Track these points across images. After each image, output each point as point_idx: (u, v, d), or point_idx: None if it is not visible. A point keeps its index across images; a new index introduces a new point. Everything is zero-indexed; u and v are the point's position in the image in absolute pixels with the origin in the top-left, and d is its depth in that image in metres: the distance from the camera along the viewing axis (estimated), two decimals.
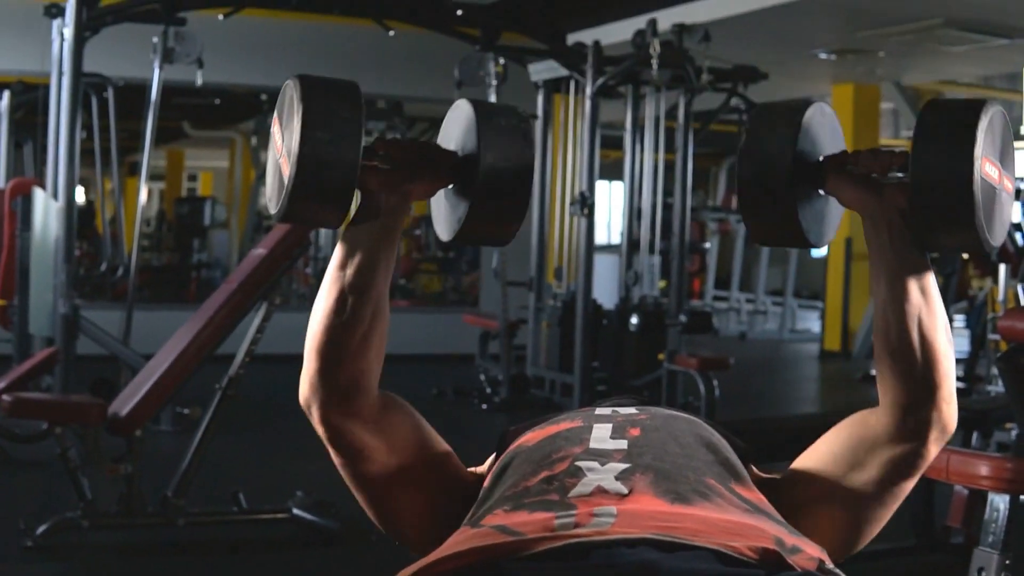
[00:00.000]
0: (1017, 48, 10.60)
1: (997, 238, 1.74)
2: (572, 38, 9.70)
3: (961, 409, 4.87)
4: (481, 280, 12.95)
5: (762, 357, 13.83)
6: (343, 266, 1.78)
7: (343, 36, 11.68)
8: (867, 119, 13.72)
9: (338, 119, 1.68)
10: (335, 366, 1.79)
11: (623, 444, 1.74)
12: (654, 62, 8.04)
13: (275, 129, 1.80)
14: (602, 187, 18.00)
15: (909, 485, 1.83)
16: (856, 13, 10.10)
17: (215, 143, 20.10)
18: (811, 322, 16.72)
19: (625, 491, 1.63)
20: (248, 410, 7.69)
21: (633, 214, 8.97)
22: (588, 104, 8.33)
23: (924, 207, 1.69)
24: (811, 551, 1.57)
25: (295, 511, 5.13)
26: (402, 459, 1.85)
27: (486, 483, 1.80)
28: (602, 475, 1.66)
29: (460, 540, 1.58)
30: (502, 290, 8.97)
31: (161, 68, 7.74)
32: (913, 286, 1.74)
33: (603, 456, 1.71)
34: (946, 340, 1.75)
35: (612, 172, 14.34)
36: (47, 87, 7.68)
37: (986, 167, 1.68)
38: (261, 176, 16.01)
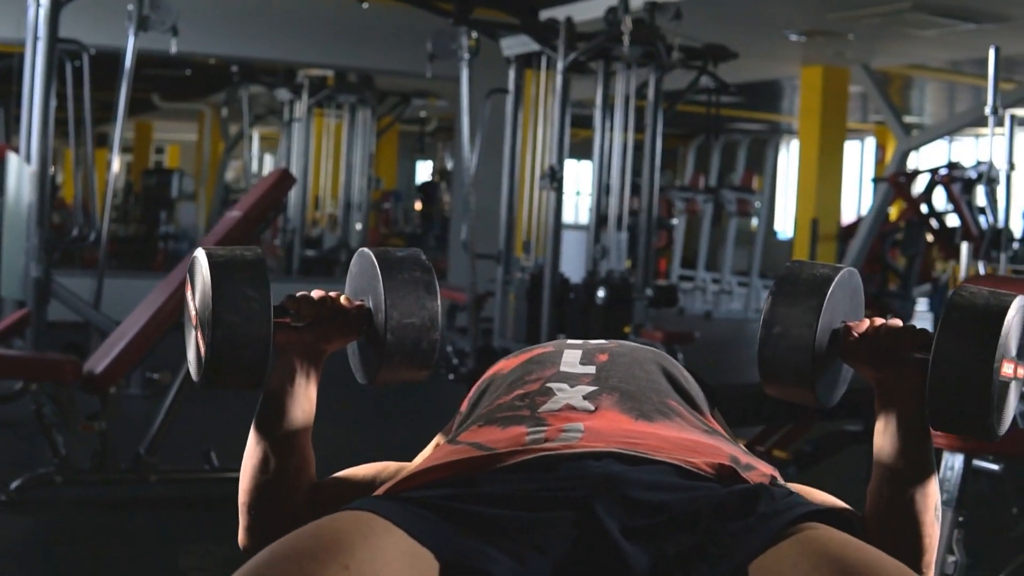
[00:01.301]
0: (985, 33, 10.69)
1: (1004, 427, 1.76)
2: (545, 15, 9.75)
3: None
4: (449, 253, 13.01)
5: (727, 335, 13.95)
6: (262, 428, 1.85)
7: (316, 8, 11.68)
8: (836, 102, 13.79)
9: (246, 300, 1.74)
10: (266, 519, 1.84)
11: (591, 369, 1.83)
12: (625, 38, 8.10)
13: (188, 297, 1.84)
14: (571, 166, 18.08)
15: None
16: None
17: (184, 115, 20.04)
18: None
19: (592, 408, 1.72)
20: None
21: (602, 190, 9.05)
22: (559, 79, 8.39)
23: (940, 402, 1.71)
24: (764, 469, 1.67)
25: None
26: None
27: (463, 408, 1.89)
28: (571, 394, 1.76)
29: (437, 456, 1.67)
30: (470, 263, 9.03)
31: (136, 36, 7.75)
32: (915, 464, 1.77)
33: (572, 379, 1.80)
34: (934, 519, 1.79)
35: (582, 151, 14.41)
36: (22, 56, 7.68)
37: (1005, 367, 1.70)
38: (230, 149, 16.01)
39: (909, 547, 1.77)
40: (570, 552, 1.48)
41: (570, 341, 1.97)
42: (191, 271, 1.83)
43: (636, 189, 9.17)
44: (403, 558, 1.44)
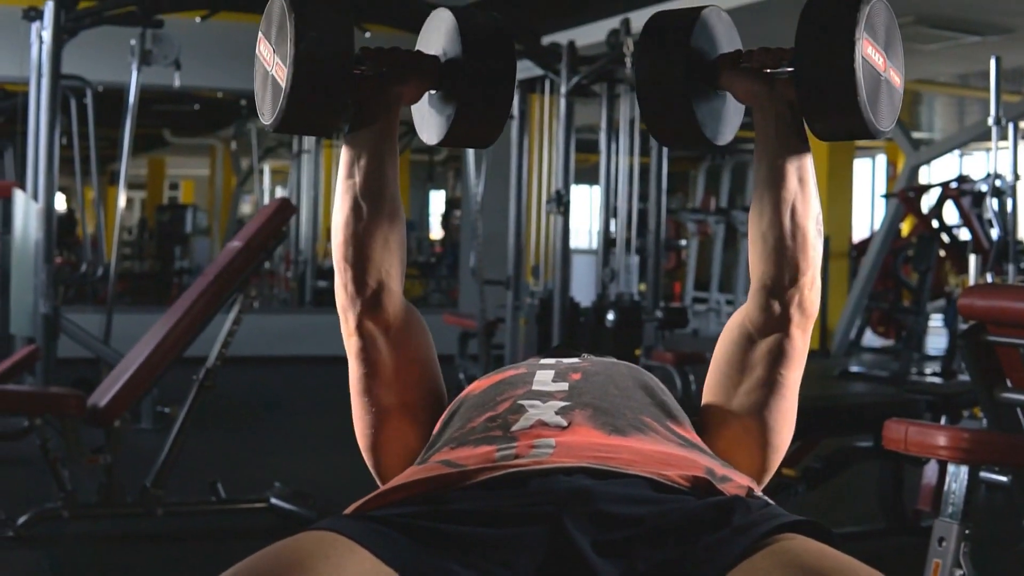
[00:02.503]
0: (990, 45, 10.67)
1: (884, 123, 1.79)
2: (547, 39, 9.76)
3: (928, 393, 4.97)
4: (460, 281, 13.00)
5: None
6: (351, 174, 1.85)
7: None
8: None
9: (329, 18, 1.75)
10: (364, 271, 1.86)
11: (564, 386, 1.81)
12: (628, 60, 8.11)
13: (262, 47, 1.86)
14: (580, 191, 18.08)
15: (792, 374, 1.90)
16: None
17: (196, 151, 20.10)
18: None
19: (565, 424, 1.70)
20: (227, 409, 7.77)
21: (609, 212, 9.03)
22: (563, 103, 8.40)
23: (808, 90, 1.75)
24: (740, 480, 1.65)
25: (273, 501, 5.19)
26: (414, 375, 1.92)
27: (435, 430, 1.88)
28: (543, 410, 1.73)
29: (407, 475, 1.65)
30: (479, 289, 9.02)
31: (139, 70, 7.79)
32: (791, 171, 1.81)
33: (544, 396, 1.78)
34: (816, 229, 1.83)
35: (589, 177, 14.41)
36: (27, 94, 7.72)
37: (868, 50, 1.73)
38: (242, 183, 16.05)
39: (795, 259, 1.82)
40: (540, 568, 1.46)
41: (543, 360, 1.95)
42: (268, 14, 1.84)
43: (643, 210, 9.15)
44: None
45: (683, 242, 15.97)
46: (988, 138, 7.02)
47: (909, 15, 9.90)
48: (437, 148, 18.55)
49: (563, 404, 1.76)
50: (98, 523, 5.04)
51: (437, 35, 1.92)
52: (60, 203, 16.36)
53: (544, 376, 1.85)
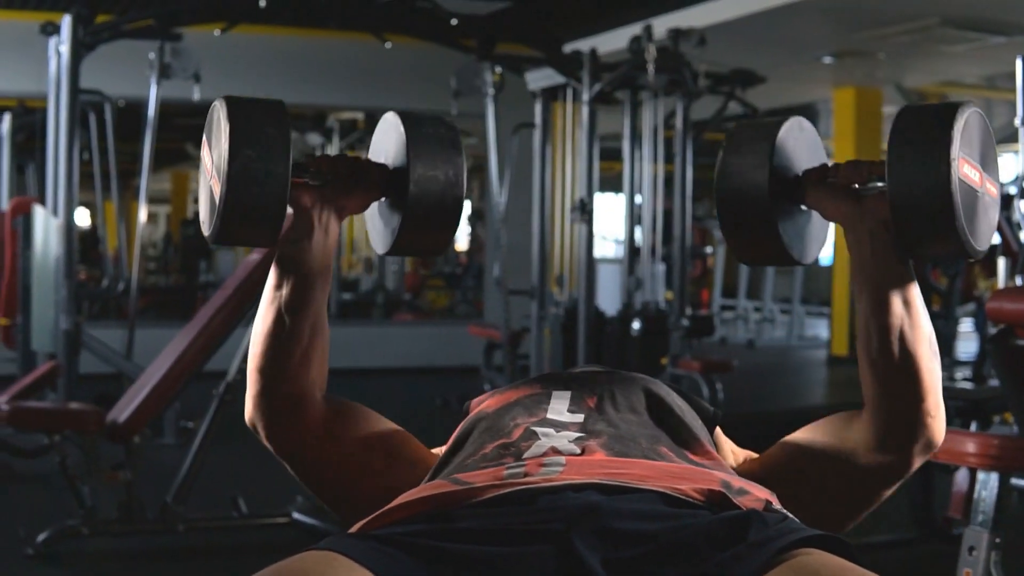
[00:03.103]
0: (1016, 46, 10.58)
1: (982, 242, 1.69)
2: (569, 47, 9.73)
3: (958, 399, 4.89)
4: (485, 291, 12.98)
5: (770, 363, 13.82)
6: (279, 286, 1.79)
7: (339, 50, 11.71)
8: (870, 123, 13.67)
9: (265, 136, 1.68)
10: (276, 385, 1.80)
11: (579, 417, 1.75)
12: (650, 67, 8.06)
13: (204, 152, 1.80)
14: (605, 200, 18.03)
15: (886, 493, 1.81)
16: (851, 14, 10.08)
17: None
18: (819, 329, 16.70)
19: (578, 451, 1.64)
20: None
21: (634, 220, 8.99)
22: (585, 110, 8.35)
23: (903, 213, 1.65)
24: (758, 493, 1.58)
25: (295, 515, 5.15)
26: (360, 458, 1.84)
27: (445, 449, 1.82)
28: (556, 440, 1.67)
29: (412, 493, 1.60)
30: (504, 299, 8.99)
31: (158, 83, 7.78)
32: (895, 299, 1.70)
33: (559, 426, 1.72)
34: (930, 353, 1.72)
35: (613, 185, 14.37)
36: (46, 110, 7.73)
37: (964, 168, 1.63)
38: None
39: (911, 388, 1.71)
40: None
41: (557, 377, 1.88)
42: (209, 121, 1.78)
43: (668, 215, 9.09)
44: None
45: (709, 249, 15.89)
46: (1015, 140, 6.95)
47: (934, 16, 9.83)
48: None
49: (578, 435, 1.69)
50: (118, 540, 5.01)
51: (386, 140, 1.86)
52: (82, 218, 16.36)
53: (559, 404, 1.78)
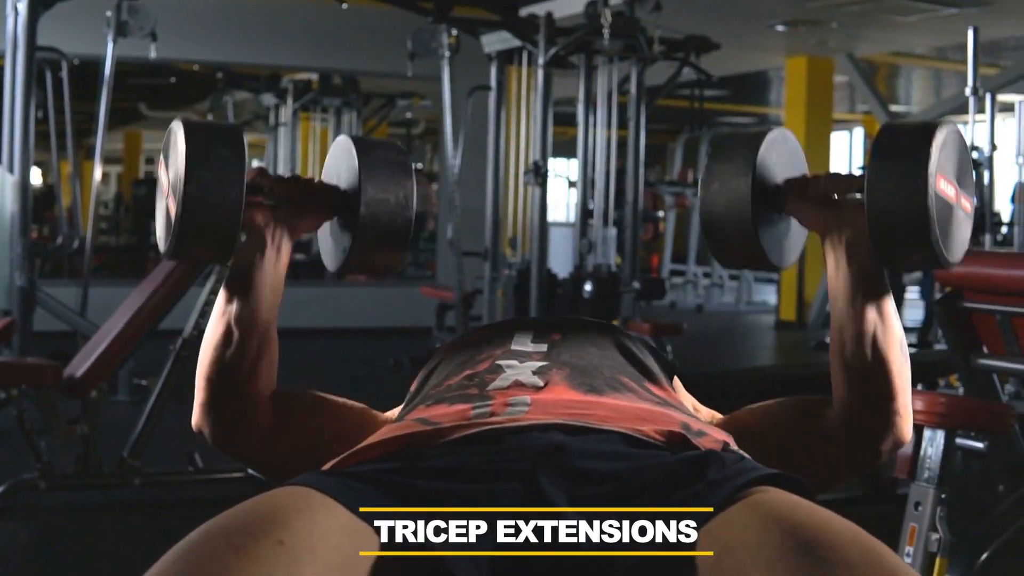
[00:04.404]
0: (967, 17, 10.66)
1: (955, 255, 1.76)
2: (525, 10, 9.74)
3: None
4: (438, 253, 13.00)
5: (718, 327, 13.94)
6: (229, 300, 1.83)
7: (295, 10, 11.67)
8: (821, 92, 13.78)
9: (220, 159, 1.73)
10: (223, 397, 1.85)
11: (543, 347, 1.82)
12: (605, 31, 8.09)
13: (161, 171, 1.84)
14: (558, 164, 18.06)
15: (845, 479, 1.90)
16: None
17: None
18: (768, 295, 16.83)
19: (541, 384, 1.71)
20: None
21: (587, 185, 9.04)
22: (540, 74, 8.38)
23: (880, 225, 1.71)
24: (716, 435, 1.65)
25: (250, 470, 5.19)
26: (312, 442, 1.88)
27: (412, 387, 1.88)
28: (520, 370, 1.74)
29: (383, 432, 1.65)
30: (457, 261, 9.02)
31: (115, 42, 7.75)
32: (869, 305, 1.77)
33: (523, 356, 1.79)
34: (901, 356, 1.79)
35: (567, 149, 14.41)
36: (2, 67, 7.67)
37: (941, 184, 1.70)
38: None
39: (882, 389, 1.78)
40: None
41: (524, 319, 1.96)
42: (166, 143, 1.82)
43: (621, 177, 9.15)
44: (341, 533, 1.41)
45: (660, 214, 15.97)
46: (965, 110, 7.04)
47: None
48: (415, 121, 18.55)
49: (541, 364, 1.76)
50: (75, 494, 5.04)
51: (339, 163, 1.92)
52: (37, 178, 16.25)
53: (524, 336, 1.86)
